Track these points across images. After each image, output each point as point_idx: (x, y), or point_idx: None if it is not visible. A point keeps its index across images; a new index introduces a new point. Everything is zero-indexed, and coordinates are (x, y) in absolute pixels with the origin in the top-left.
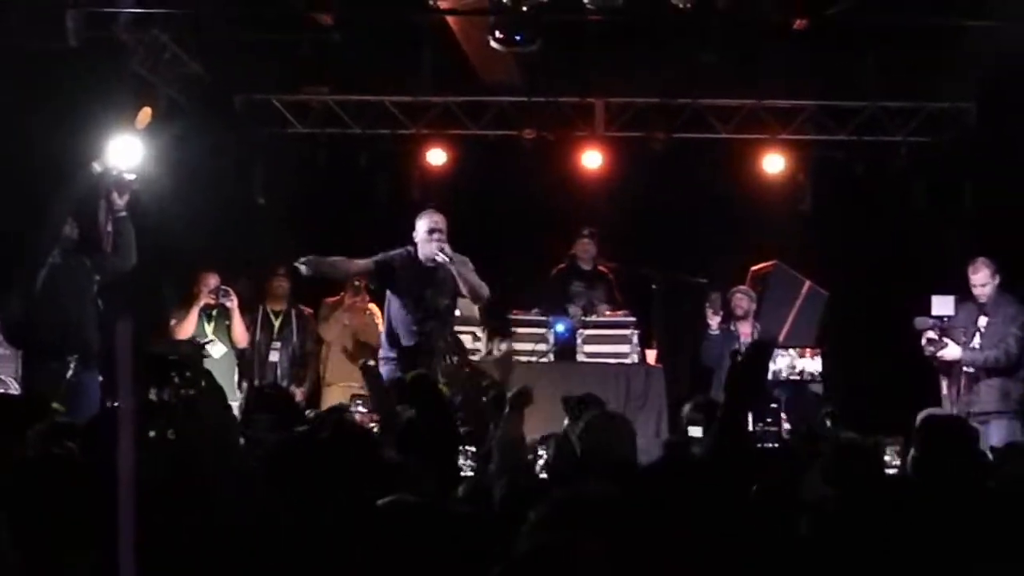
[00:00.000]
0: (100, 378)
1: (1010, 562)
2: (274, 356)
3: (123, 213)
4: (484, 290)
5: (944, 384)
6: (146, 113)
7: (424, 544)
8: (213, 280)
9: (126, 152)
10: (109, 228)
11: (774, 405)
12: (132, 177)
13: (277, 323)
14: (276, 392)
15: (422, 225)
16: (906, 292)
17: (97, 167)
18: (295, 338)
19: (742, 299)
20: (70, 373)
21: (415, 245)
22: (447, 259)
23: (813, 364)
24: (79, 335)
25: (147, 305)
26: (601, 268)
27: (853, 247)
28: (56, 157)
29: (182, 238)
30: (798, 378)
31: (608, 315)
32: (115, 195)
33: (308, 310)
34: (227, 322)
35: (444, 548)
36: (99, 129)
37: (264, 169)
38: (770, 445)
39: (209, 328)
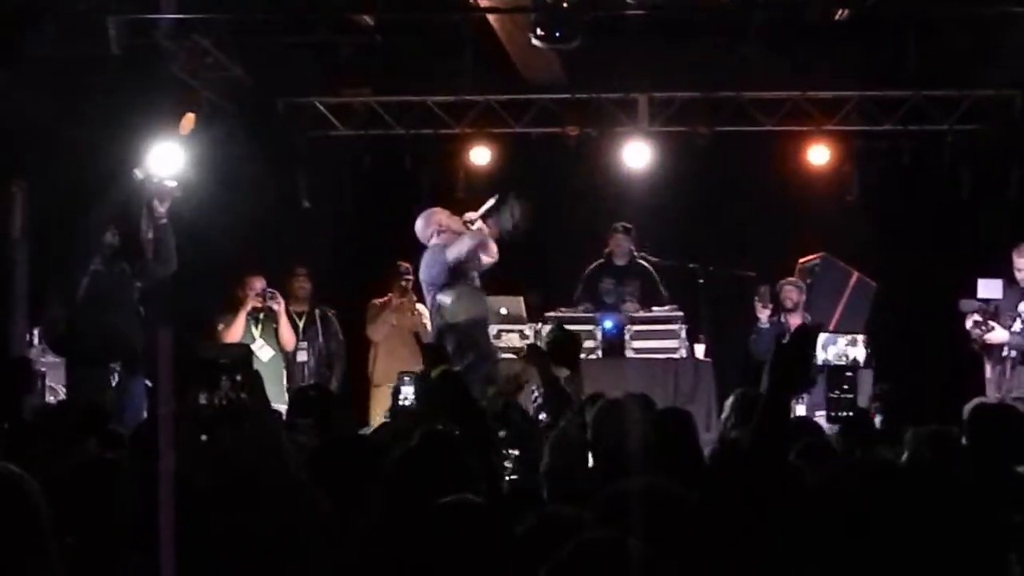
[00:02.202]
0: (147, 384)
1: None
2: (301, 356)
3: (164, 220)
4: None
5: (987, 367)
6: (189, 119)
7: (483, 543)
8: (259, 283)
9: (167, 159)
10: (151, 235)
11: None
12: (173, 184)
13: (301, 324)
14: (319, 394)
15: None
16: (953, 280)
17: (139, 174)
18: (320, 339)
19: (792, 291)
20: (115, 380)
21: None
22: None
23: (857, 350)
24: (122, 342)
25: (189, 311)
26: (640, 262)
27: (901, 237)
28: (99, 165)
29: (227, 242)
30: (843, 363)
31: (653, 311)
32: (156, 202)
33: (331, 311)
34: (274, 325)
35: (500, 548)
36: (141, 136)
37: (308, 172)
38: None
39: (256, 331)
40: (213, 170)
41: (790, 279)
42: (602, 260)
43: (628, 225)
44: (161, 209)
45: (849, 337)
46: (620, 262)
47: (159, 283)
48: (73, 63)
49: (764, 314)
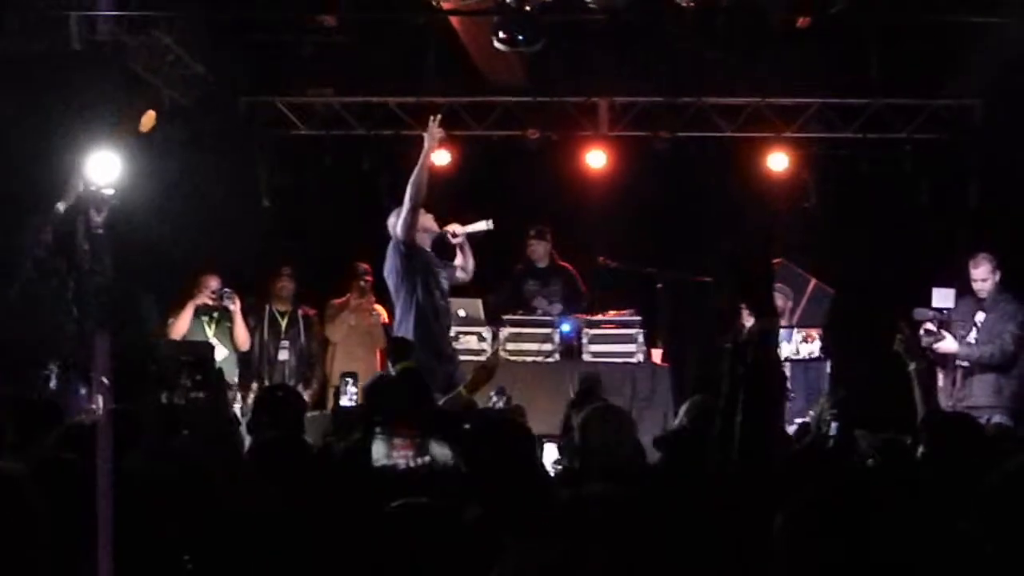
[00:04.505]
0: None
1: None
2: (283, 355)
3: (100, 231)
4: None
5: (940, 376)
6: (150, 116)
7: (430, 547)
8: (214, 282)
9: (104, 168)
10: (86, 246)
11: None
12: (110, 193)
13: (284, 323)
14: (284, 394)
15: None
16: (908, 288)
17: (79, 184)
18: (302, 338)
19: (776, 297)
20: (53, 381)
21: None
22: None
23: (812, 347)
24: (56, 344)
25: (129, 314)
26: (560, 263)
27: (858, 245)
28: (47, 167)
29: (185, 241)
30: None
31: (613, 314)
32: (93, 212)
33: (312, 311)
34: (229, 324)
35: (449, 552)
36: (97, 136)
37: (269, 171)
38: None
39: (210, 331)
40: (174, 168)
41: (776, 284)
42: (522, 264)
43: (541, 228)
44: (98, 219)
45: (804, 332)
46: (541, 264)
47: (96, 291)
48: (33, 59)
49: (751, 321)
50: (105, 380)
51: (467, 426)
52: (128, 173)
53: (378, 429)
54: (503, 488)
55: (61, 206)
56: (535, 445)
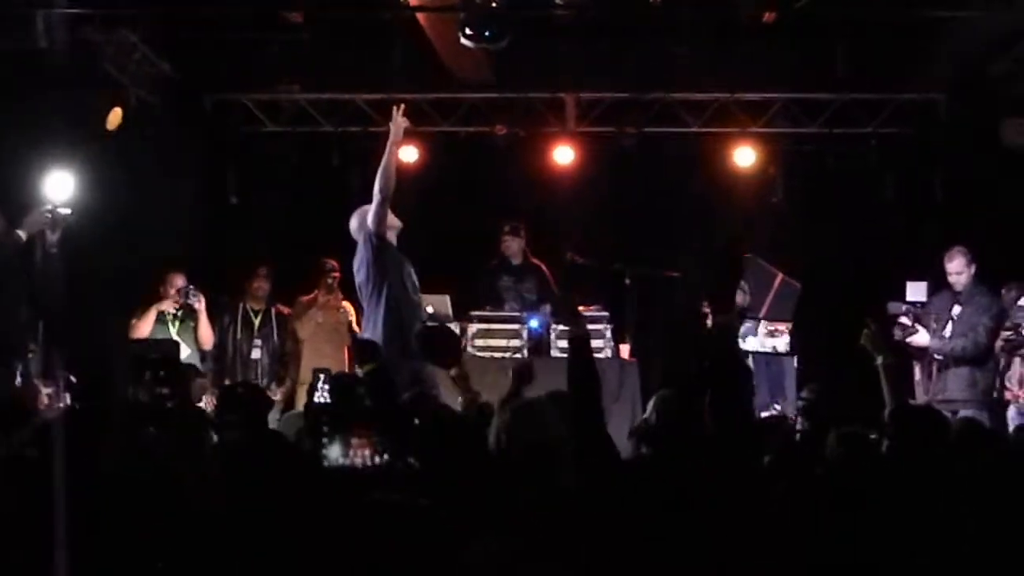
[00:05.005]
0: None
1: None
2: (256, 354)
3: (54, 250)
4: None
5: (917, 371)
6: (116, 114)
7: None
8: (180, 280)
9: (61, 186)
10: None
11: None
12: (66, 212)
13: (257, 321)
14: (247, 391)
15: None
16: (876, 282)
17: (41, 211)
18: (275, 337)
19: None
20: (18, 379)
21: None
22: None
23: (778, 341)
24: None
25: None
26: (533, 261)
27: (825, 239)
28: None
29: (152, 239)
30: (770, 351)
31: (580, 310)
32: (48, 232)
33: (287, 310)
34: (193, 323)
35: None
36: (66, 135)
37: (236, 168)
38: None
39: (174, 330)
40: (141, 166)
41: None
42: (496, 260)
43: (515, 224)
44: (52, 238)
45: (772, 326)
46: (515, 261)
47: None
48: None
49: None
50: (73, 378)
51: (417, 421)
52: (94, 171)
53: (326, 428)
54: (455, 482)
55: (23, 233)
56: (486, 439)
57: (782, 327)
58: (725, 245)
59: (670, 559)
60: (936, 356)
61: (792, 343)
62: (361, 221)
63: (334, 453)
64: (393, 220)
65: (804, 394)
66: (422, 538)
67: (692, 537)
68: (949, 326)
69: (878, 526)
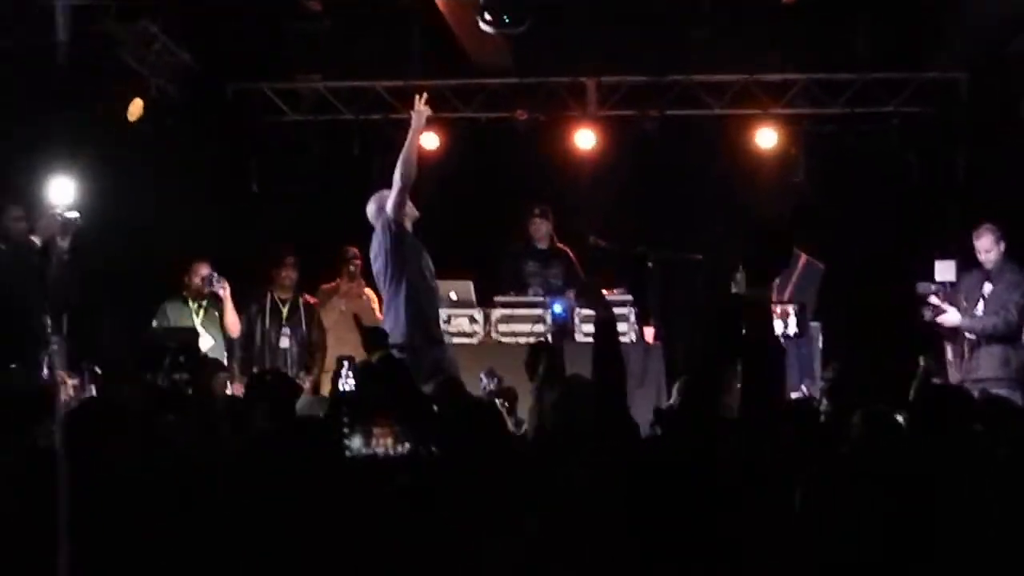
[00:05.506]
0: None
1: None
2: (284, 343)
3: (66, 256)
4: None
5: (949, 350)
6: (137, 105)
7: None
8: (204, 269)
9: (65, 191)
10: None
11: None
12: (74, 216)
13: (285, 310)
14: (275, 380)
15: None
16: (901, 261)
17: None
18: (303, 326)
19: None
20: (44, 372)
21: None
22: None
23: (787, 325)
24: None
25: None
26: (560, 246)
27: (848, 219)
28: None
29: (174, 228)
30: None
31: (604, 293)
32: (58, 239)
33: (314, 300)
34: (218, 312)
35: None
36: (81, 130)
37: (258, 157)
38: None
39: (198, 319)
40: (163, 156)
41: None
42: (523, 244)
43: (544, 207)
44: (63, 244)
45: (779, 309)
46: (542, 246)
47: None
48: (21, 50)
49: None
50: (98, 369)
51: (436, 408)
52: (115, 162)
53: (346, 419)
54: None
55: (38, 240)
56: (506, 425)
57: (789, 309)
58: (774, 217)
59: (689, 544)
60: (968, 335)
61: (800, 325)
62: (379, 206)
63: (356, 443)
64: (411, 209)
65: (827, 373)
66: (440, 525)
67: (711, 524)
68: (980, 304)
69: (903, 507)
